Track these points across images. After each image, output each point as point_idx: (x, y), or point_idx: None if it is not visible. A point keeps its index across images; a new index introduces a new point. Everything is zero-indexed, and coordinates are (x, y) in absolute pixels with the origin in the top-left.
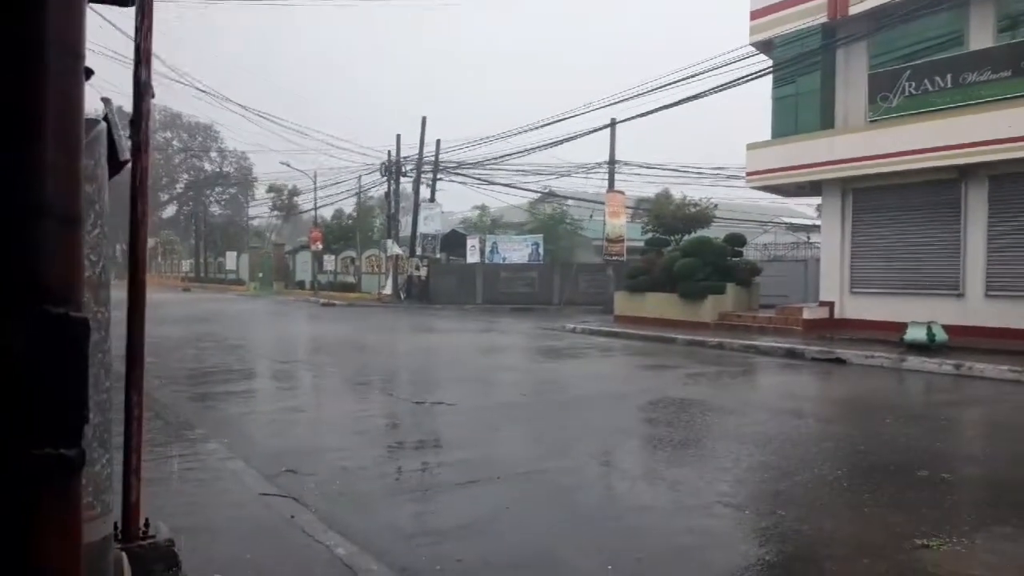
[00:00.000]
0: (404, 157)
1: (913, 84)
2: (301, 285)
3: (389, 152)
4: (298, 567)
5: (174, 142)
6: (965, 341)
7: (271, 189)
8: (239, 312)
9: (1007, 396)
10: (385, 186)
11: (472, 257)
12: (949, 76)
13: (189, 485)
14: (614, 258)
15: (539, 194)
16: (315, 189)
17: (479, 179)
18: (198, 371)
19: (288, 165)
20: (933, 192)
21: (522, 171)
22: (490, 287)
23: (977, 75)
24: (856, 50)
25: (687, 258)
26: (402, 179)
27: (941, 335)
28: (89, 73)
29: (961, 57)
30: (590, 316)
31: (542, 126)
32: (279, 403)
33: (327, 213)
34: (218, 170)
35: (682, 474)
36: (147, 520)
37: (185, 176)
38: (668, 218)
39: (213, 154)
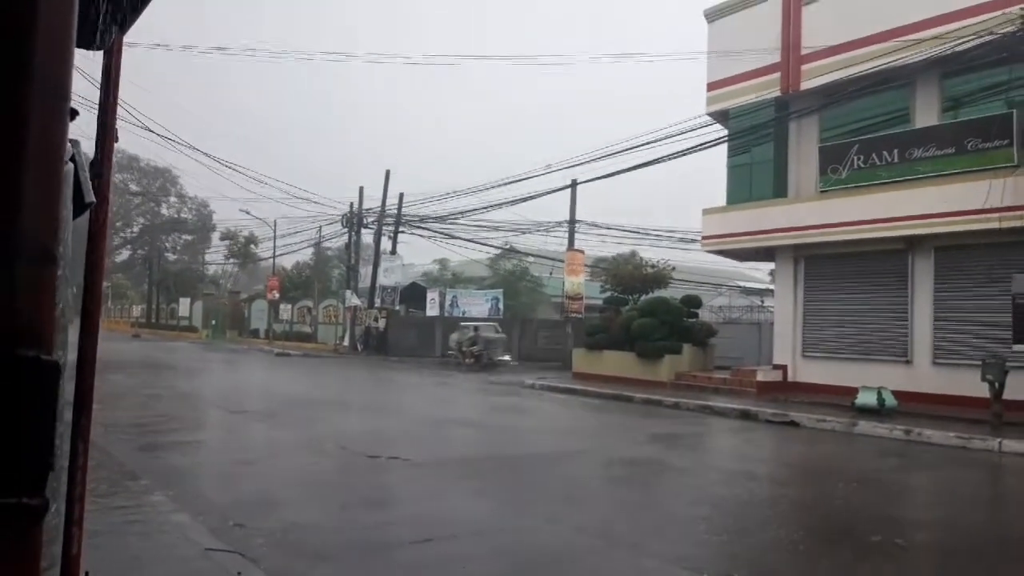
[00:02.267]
0: (366, 209)
1: (862, 158)
2: (256, 334)
3: (351, 204)
4: None
5: (131, 185)
6: (913, 407)
7: (225, 236)
8: (190, 360)
9: (954, 461)
10: (345, 237)
11: (432, 310)
12: (896, 151)
13: (132, 538)
14: (573, 315)
15: (500, 250)
16: (274, 237)
17: (441, 233)
18: (145, 420)
19: (248, 213)
20: (882, 261)
21: (484, 226)
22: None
23: (922, 151)
24: (808, 123)
25: (645, 318)
26: (363, 231)
27: (891, 400)
28: (74, 114)
29: (907, 134)
30: (548, 372)
31: (504, 184)
32: (228, 455)
33: (286, 262)
34: (176, 216)
35: (641, 535)
36: (87, 574)
37: (141, 220)
38: (626, 278)
39: (172, 199)
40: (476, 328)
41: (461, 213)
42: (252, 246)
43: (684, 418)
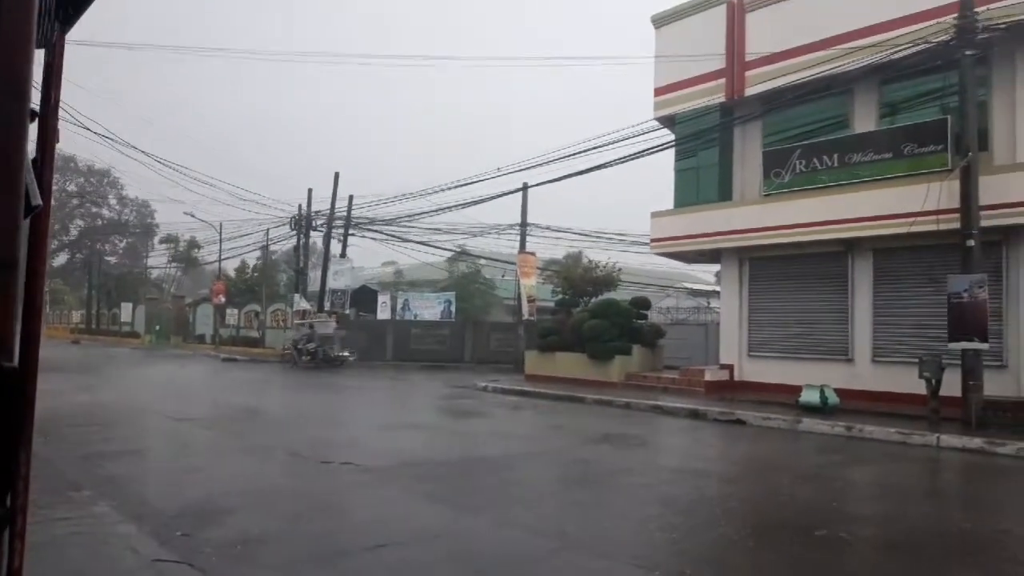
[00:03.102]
0: (315, 211)
1: (803, 162)
2: (201, 339)
3: (300, 206)
4: None
5: (69, 186)
6: (855, 404)
7: (166, 240)
8: (133, 367)
9: (894, 457)
10: (294, 240)
11: (383, 314)
12: (836, 156)
13: (76, 550)
14: (525, 318)
15: (452, 252)
16: (220, 241)
17: (392, 236)
18: (85, 429)
19: (192, 216)
20: (823, 263)
21: (436, 229)
22: (401, 344)
23: (861, 156)
24: (752, 129)
25: (595, 319)
26: (312, 233)
27: (833, 398)
28: (34, 115)
29: (846, 139)
30: (501, 374)
31: (456, 186)
32: (173, 463)
33: (232, 265)
34: (116, 218)
35: (594, 535)
36: None
37: (79, 223)
38: (577, 280)
39: (112, 201)
40: (311, 325)
41: (412, 216)
42: (196, 249)
43: (635, 418)
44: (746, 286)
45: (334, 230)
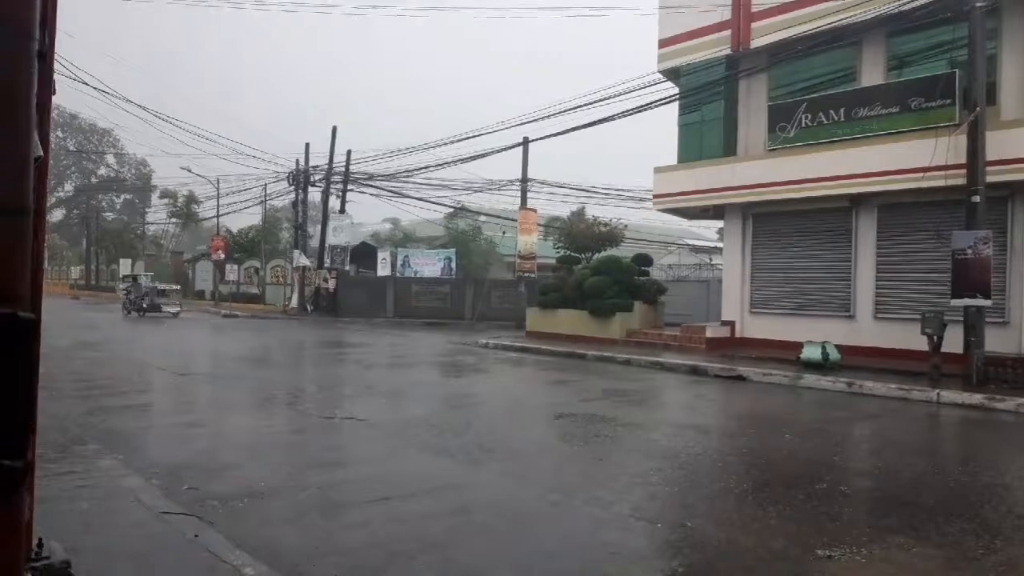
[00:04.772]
0: (313, 167)
1: (809, 116)
2: (201, 295)
3: (297, 161)
4: None
5: (69, 144)
6: (856, 360)
7: (164, 195)
8: (132, 322)
9: (895, 412)
10: (292, 195)
11: (383, 270)
12: (842, 110)
13: (84, 503)
14: (526, 274)
15: (452, 209)
16: (217, 196)
17: (391, 191)
18: (90, 383)
19: (189, 171)
20: (827, 219)
21: (435, 185)
22: (401, 301)
23: (868, 110)
24: (757, 82)
25: (597, 276)
26: (311, 189)
27: (834, 354)
28: (41, 54)
29: (853, 92)
30: (502, 331)
31: (456, 141)
32: (178, 417)
33: (231, 221)
34: (114, 174)
35: (596, 489)
36: (40, 540)
37: (76, 177)
38: (579, 237)
39: (110, 158)
40: (135, 278)
41: (411, 171)
42: (194, 205)
43: (636, 374)
44: (749, 242)
45: (333, 186)
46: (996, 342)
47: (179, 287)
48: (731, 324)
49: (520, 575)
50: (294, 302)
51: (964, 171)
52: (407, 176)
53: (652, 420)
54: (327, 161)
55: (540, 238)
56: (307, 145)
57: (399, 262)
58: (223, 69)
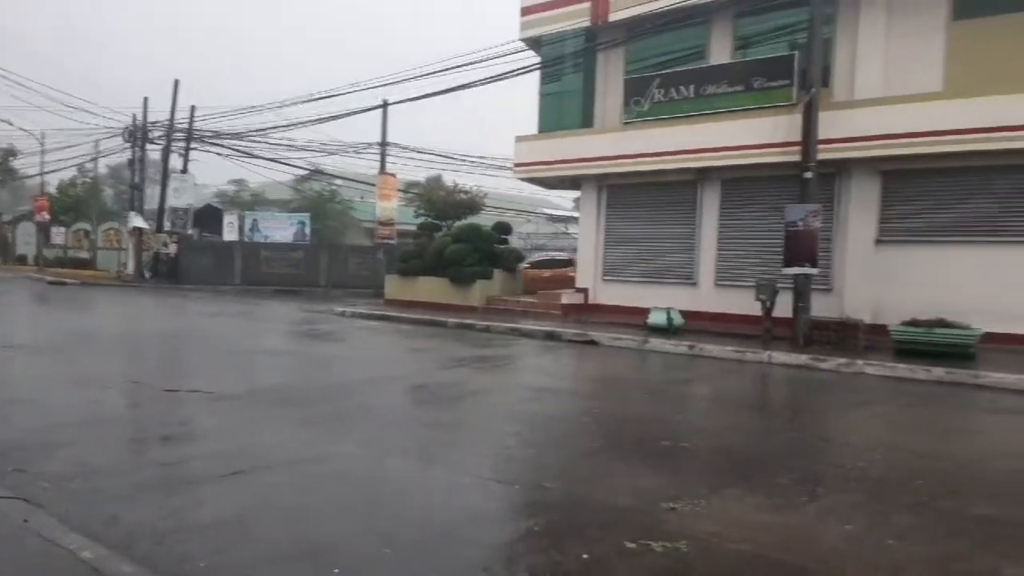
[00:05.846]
0: (153, 123)
1: (662, 91)
2: (23, 260)
3: (134, 116)
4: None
5: None
6: (698, 324)
7: None
8: None
9: (731, 372)
10: (129, 153)
11: (230, 234)
12: (692, 86)
13: None
14: (385, 240)
15: (306, 171)
16: (42, 151)
17: (239, 151)
18: None
19: (9, 123)
20: (675, 191)
21: (288, 146)
22: (250, 267)
23: (715, 87)
24: (615, 55)
25: (458, 244)
26: (150, 147)
27: (678, 319)
28: None
29: (702, 70)
30: (360, 299)
31: (311, 100)
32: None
33: (58, 180)
34: None
35: (456, 454)
36: None
37: None
38: (440, 203)
39: None
40: None
41: (263, 130)
42: (11, 158)
43: (495, 340)
44: (603, 213)
45: (175, 143)
46: (822, 307)
47: None
48: (585, 291)
49: (381, 543)
50: (131, 268)
51: (799, 148)
52: (258, 135)
53: (510, 385)
54: (168, 117)
55: (400, 204)
56: (146, 99)
57: (247, 226)
58: (58, 16)
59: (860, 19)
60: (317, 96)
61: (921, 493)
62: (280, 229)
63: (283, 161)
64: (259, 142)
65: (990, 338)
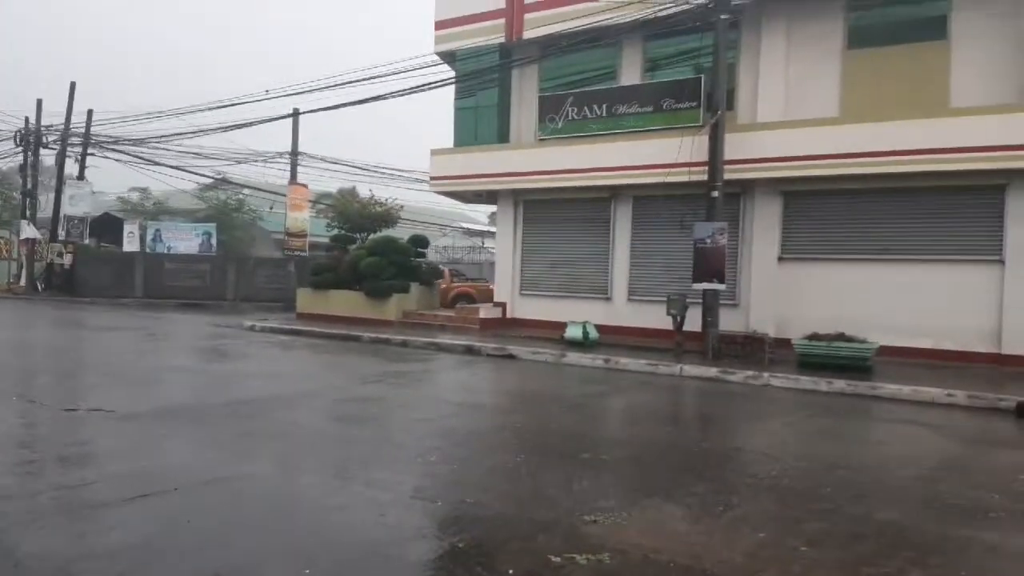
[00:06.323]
0: (47, 126)
1: (575, 109)
2: None
3: (27, 118)
4: None
5: None
6: (613, 338)
7: None
8: None
9: (645, 385)
10: (19, 158)
11: (130, 245)
12: (604, 106)
13: None
14: (296, 253)
15: (212, 179)
16: None
17: (141, 158)
18: None
19: None
20: (590, 208)
21: (194, 153)
22: (153, 279)
23: (626, 107)
24: (529, 72)
25: (373, 257)
26: (44, 151)
27: (594, 333)
28: None
29: (614, 90)
30: (270, 313)
31: (218, 107)
32: None
33: None
34: None
35: (375, 471)
36: None
37: None
38: (354, 215)
39: None
40: None
41: (166, 136)
42: None
43: (413, 355)
44: (520, 227)
45: (71, 148)
46: (729, 322)
47: None
48: (503, 305)
49: (300, 565)
50: (22, 280)
51: (706, 168)
52: (161, 142)
53: (429, 400)
54: (63, 121)
55: (312, 215)
56: (39, 101)
57: (149, 236)
58: None
59: (762, 45)
60: (225, 103)
61: (829, 500)
62: (184, 240)
63: (188, 169)
64: (162, 149)
65: (884, 351)
